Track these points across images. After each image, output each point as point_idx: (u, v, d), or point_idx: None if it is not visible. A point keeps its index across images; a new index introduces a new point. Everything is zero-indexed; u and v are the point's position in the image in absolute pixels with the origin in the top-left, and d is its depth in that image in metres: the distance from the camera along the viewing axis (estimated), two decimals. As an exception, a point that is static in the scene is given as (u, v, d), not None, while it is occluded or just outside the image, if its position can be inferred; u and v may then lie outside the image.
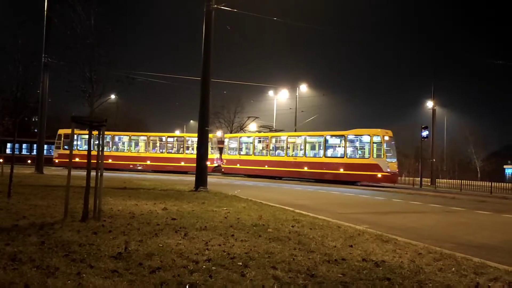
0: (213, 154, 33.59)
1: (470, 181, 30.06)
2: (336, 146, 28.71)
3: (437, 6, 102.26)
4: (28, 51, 9.53)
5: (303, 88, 45.69)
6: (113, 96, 44.11)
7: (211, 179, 16.31)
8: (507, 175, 53.05)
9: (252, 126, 52.72)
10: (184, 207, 8.99)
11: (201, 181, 14.77)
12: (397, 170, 27.68)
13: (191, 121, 65.43)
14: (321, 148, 29.05)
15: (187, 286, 3.47)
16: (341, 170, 27.53)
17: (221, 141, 39.66)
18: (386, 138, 26.50)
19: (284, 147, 31.40)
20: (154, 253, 4.49)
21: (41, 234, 5.20)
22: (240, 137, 34.71)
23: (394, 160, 27.10)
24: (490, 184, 25.98)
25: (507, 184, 28.38)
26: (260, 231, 6.27)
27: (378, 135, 26.23)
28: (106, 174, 6.82)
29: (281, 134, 33.01)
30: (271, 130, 34.54)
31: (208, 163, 34.31)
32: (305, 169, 29.34)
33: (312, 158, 29.44)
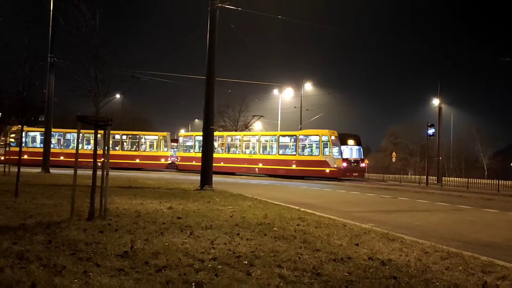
0: (167, 152, 36.15)
1: (477, 179, 29.85)
2: (288, 145, 31.73)
3: (444, 4, 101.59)
4: (34, 51, 9.58)
5: (308, 86, 45.60)
6: (118, 96, 44.36)
7: (215, 178, 16.32)
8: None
9: (257, 124, 52.73)
10: (189, 206, 9.00)
11: (206, 180, 14.78)
12: (342, 166, 30.09)
13: (196, 120, 65.47)
14: (275, 146, 31.97)
15: (193, 285, 3.47)
16: (293, 166, 30.49)
17: (175, 140, 41.70)
18: (333, 137, 29.64)
19: (240, 146, 34.06)
20: (160, 252, 4.50)
21: (48, 233, 5.22)
22: (196, 135, 36.14)
23: (340, 157, 29.93)
24: (497, 182, 25.80)
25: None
26: (266, 230, 6.26)
27: (326, 135, 29.52)
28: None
29: (236, 134, 36.53)
30: (225, 130, 37.98)
31: (163, 160, 34.52)
32: (260, 165, 32.00)
33: (266, 155, 32.17)
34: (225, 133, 36.03)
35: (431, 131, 31.24)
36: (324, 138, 29.54)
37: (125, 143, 36.45)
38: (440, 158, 35.49)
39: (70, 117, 40.50)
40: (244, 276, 3.77)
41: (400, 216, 10.21)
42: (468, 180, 28.66)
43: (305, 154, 30.72)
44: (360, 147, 34.87)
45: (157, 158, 35.99)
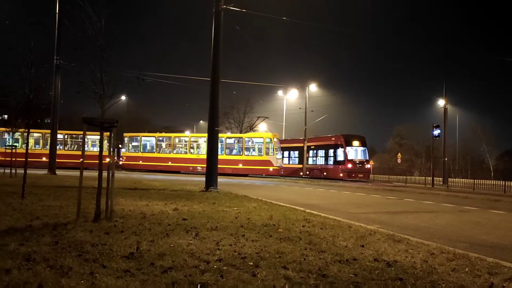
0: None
1: (483, 180, 29.65)
2: (235, 146, 35.08)
3: (449, 4, 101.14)
4: (40, 53, 9.64)
5: (313, 87, 45.52)
6: (123, 97, 44.53)
7: (220, 179, 16.33)
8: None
9: (262, 126, 52.67)
10: (194, 207, 9.02)
11: (211, 181, 14.80)
12: (282, 165, 34.57)
13: (201, 121, 65.61)
14: (222, 147, 34.16)
15: (198, 286, 3.48)
16: (240, 166, 33.76)
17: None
18: (275, 139, 33.71)
19: (187, 146, 36.73)
20: (166, 253, 4.51)
21: (55, 234, 5.25)
22: (142, 136, 38.12)
23: (280, 157, 34.46)
24: (503, 183, 25.62)
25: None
26: (271, 231, 6.26)
27: (269, 137, 33.44)
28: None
29: (185, 135, 38.59)
30: (172, 131, 39.39)
31: (108, 159, 35.57)
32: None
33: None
34: (172, 134, 37.78)
35: (436, 132, 31.10)
36: (268, 140, 33.32)
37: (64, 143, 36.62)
38: (446, 159, 35.32)
39: (76, 119, 40.72)
40: (249, 277, 3.77)
41: (405, 217, 10.17)
42: (474, 181, 28.48)
43: (250, 154, 34.15)
44: (365, 148, 34.94)
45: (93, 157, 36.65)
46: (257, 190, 18.00)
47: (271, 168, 32.99)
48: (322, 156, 36.54)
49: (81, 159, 7.23)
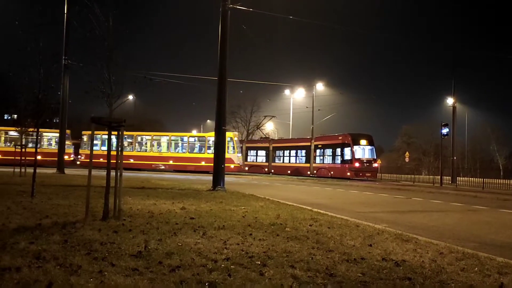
0: (69, 149, 37.03)
1: (493, 179, 29.41)
2: (199, 145, 36.91)
3: (458, 1, 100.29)
4: (49, 53, 9.73)
5: (320, 86, 45.44)
6: (130, 97, 44.78)
7: (228, 178, 16.36)
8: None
9: (269, 125, 52.61)
10: (202, 206, 9.04)
11: (218, 180, 14.84)
12: (241, 162, 36.81)
13: (208, 120, 65.76)
14: (185, 146, 36.69)
15: (206, 285, 3.49)
16: (203, 163, 35.33)
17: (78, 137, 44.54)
18: (236, 138, 36.09)
19: (149, 144, 37.73)
20: (174, 252, 4.53)
21: (64, 233, 5.30)
22: (102, 134, 36.96)
23: (240, 155, 36.67)
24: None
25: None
26: (278, 230, 6.26)
27: (230, 136, 34.66)
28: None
29: (147, 133, 39.68)
30: (135, 130, 40.28)
31: (66, 157, 35.64)
32: (170, 162, 36.07)
33: (177, 153, 36.59)
34: (135, 133, 38.54)
35: (445, 130, 30.88)
36: (229, 139, 34.25)
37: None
38: (455, 157, 35.07)
39: (84, 119, 41.01)
40: (257, 276, 3.77)
41: (414, 216, 10.11)
42: (483, 180, 28.25)
43: (212, 153, 34.76)
44: (372, 147, 34.82)
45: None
46: (264, 189, 18.01)
47: (232, 165, 34.41)
48: (330, 155, 36.45)
49: (90, 159, 7.26)
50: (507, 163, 62.75)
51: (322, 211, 9.19)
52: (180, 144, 37.28)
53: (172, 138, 37.63)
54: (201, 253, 4.57)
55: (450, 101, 35.29)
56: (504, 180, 29.47)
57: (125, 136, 37.82)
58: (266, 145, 43.92)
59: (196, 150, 36.94)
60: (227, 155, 35.17)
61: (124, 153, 37.24)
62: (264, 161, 43.36)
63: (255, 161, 44.39)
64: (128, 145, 37.29)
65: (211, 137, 36.31)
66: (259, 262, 4.26)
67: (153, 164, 36.38)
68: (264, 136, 50.48)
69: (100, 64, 7.55)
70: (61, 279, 3.44)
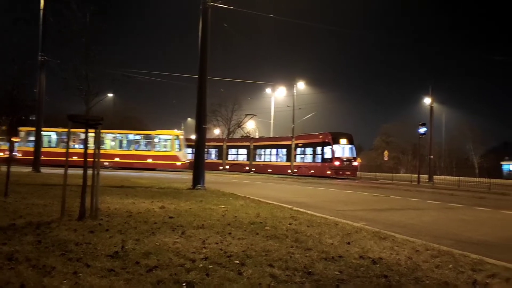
0: (5, 146, 36.98)
1: (468, 178, 30.10)
2: (145, 142, 37.58)
3: (434, 3, 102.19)
4: (25, 50, 9.49)
5: (301, 85, 45.66)
6: (110, 95, 44.11)
7: (207, 177, 16.28)
8: (505, 171, 53.14)
9: (250, 123, 52.59)
10: (181, 205, 8.97)
11: (198, 179, 14.74)
12: (187, 159, 36.59)
13: (189, 119, 65.31)
14: (132, 143, 37.42)
15: (183, 285, 3.46)
16: (149, 160, 36.31)
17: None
18: (181, 137, 36.84)
19: (68, 141, 36.75)
20: (151, 251, 4.47)
21: (38, 233, 5.17)
22: (49, 131, 37.58)
23: (186, 153, 36.91)
24: (488, 180, 26.05)
25: (505, 180, 28.44)
26: (258, 229, 6.25)
27: (176, 135, 36.59)
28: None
29: (93, 131, 38.39)
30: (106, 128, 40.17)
31: (1, 154, 34.98)
32: (116, 159, 36.00)
33: (122, 151, 36.83)
34: (78, 130, 37.20)
35: (422, 129, 31.45)
36: (175, 137, 36.40)
37: None
38: (432, 156, 35.75)
39: (61, 116, 40.18)
40: (235, 276, 3.76)
41: (392, 214, 10.26)
42: (459, 178, 28.89)
43: (159, 150, 36.89)
44: (352, 146, 35.21)
45: None
46: (245, 188, 17.99)
47: (178, 163, 35.88)
48: (310, 154, 36.70)
49: (66, 157, 7.11)
50: (482, 161, 64.29)
51: (301, 210, 9.23)
52: (125, 142, 37.62)
53: (117, 135, 37.74)
54: (179, 252, 4.53)
55: (427, 100, 35.93)
56: (479, 179, 30.17)
57: (50, 133, 37.64)
58: (247, 143, 43.91)
59: (143, 147, 37.40)
60: (173, 153, 36.08)
61: (57, 150, 36.39)
62: (245, 159, 43.36)
63: (236, 159, 44.34)
64: (72, 142, 36.39)
65: (158, 134, 37.33)
66: (237, 261, 4.24)
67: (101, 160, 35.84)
68: (245, 135, 50.47)
69: (78, 61, 7.40)
70: (33, 281, 3.36)
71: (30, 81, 10.18)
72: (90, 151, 6.87)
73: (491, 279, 4.08)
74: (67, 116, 6.81)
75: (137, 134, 38.19)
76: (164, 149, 37.02)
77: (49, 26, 19.92)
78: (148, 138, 37.64)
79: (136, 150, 37.18)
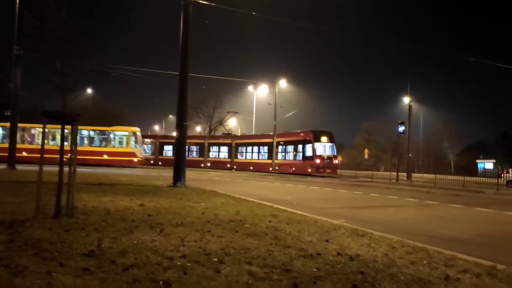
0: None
1: (445, 176, 30.78)
2: (101, 138, 36.83)
3: (414, 4, 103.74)
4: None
5: (283, 83, 45.78)
6: (89, 91, 43.40)
7: (189, 175, 16.18)
8: (480, 169, 54.50)
9: (232, 121, 52.48)
10: (161, 203, 8.89)
11: (179, 176, 14.65)
12: (143, 156, 37.97)
13: (170, 115, 64.80)
14: (87, 139, 36.39)
15: (160, 283, 3.42)
16: (105, 157, 35.60)
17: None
18: (138, 133, 37.01)
19: (47, 137, 35.94)
20: (128, 250, 4.41)
21: (10, 232, 5.04)
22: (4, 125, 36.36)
23: (143, 149, 38.54)
24: (463, 178, 26.67)
25: (480, 178, 29.18)
26: (237, 227, 6.25)
27: (133, 131, 36.57)
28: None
29: (40, 126, 38.03)
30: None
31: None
32: (69, 155, 35.70)
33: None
34: (27, 125, 36.20)
35: (401, 128, 31.99)
36: (132, 133, 36.33)
37: None
38: (410, 155, 36.39)
39: (37, 112, 39.32)
40: (213, 274, 3.74)
41: (370, 212, 10.40)
42: (435, 176, 29.50)
43: (115, 146, 36.51)
44: (333, 144, 35.53)
45: None
46: (226, 185, 17.96)
47: (135, 159, 35.94)
48: (291, 152, 36.88)
49: (41, 154, 6.96)
50: (458, 160, 65.75)
51: (282, 207, 9.27)
52: (79, 137, 35.97)
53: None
54: (157, 251, 4.48)
55: (406, 99, 36.51)
56: (455, 176, 30.88)
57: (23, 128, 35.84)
58: (229, 141, 43.84)
59: (97, 143, 36.72)
60: (129, 149, 35.94)
61: (17, 145, 35.36)
62: (227, 157, 43.29)
63: (217, 157, 44.23)
64: (20, 138, 34.44)
65: (113, 130, 36.85)
66: (216, 259, 4.23)
67: (52, 157, 34.57)
68: (227, 132, 50.36)
69: (53, 56, 7.25)
70: (4, 281, 3.27)
71: (5, 75, 9.90)
72: (54, 147, 6.72)
73: (463, 274, 4.17)
74: (42, 112, 6.67)
75: (92, 130, 37.06)
76: (120, 146, 36.58)
77: (25, 20, 19.40)
78: (103, 134, 36.88)
79: (91, 146, 36.32)
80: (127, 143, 36.39)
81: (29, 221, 5.82)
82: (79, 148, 37.32)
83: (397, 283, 3.76)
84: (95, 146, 36.48)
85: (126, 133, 36.85)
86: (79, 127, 37.32)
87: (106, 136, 36.75)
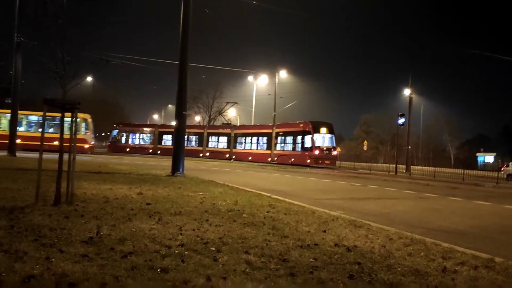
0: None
1: (444, 168, 30.82)
2: (52, 124, 35.15)
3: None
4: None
5: (283, 74, 45.62)
6: (89, 79, 43.24)
7: (187, 165, 16.20)
8: (480, 163, 54.58)
9: (231, 111, 52.39)
10: (159, 191, 8.92)
11: (177, 165, 14.66)
12: (93, 143, 37.78)
13: (169, 105, 64.66)
14: (35, 125, 35.60)
15: (158, 270, 3.45)
16: (55, 143, 33.39)
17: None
18: (89, 120, 36.87)
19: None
20: (127, 238, 4.44)
21: (11, 218, 5.07)
22: None
23: (93, 136, 38.01)
24: (462, 171, 26.71)
25: (479, 171, 29.23)
26: (235, 216, 6.28)
27: (84, 118, 36.10)
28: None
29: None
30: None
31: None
32: (18, 141, 34.35)
33: (26, 132, 34.59)
34: (27, 112, 36.11)
35: (401, 120, 31.95)
36: (83, 120, 35.85)
37: None
38: (410, 147, 36.37)
39: (38, 100, 39.22)
40: (210, 262, 3.77)
41: (368, 203, 10.44)
42: (435, 169, 29.54)
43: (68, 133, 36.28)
44: (332, 135, 35.49)
45: None
46: (224, 175, 18.00)
47: (86, 146, 35.79)
48: (290, 143, 36.88)
49: (41, 141, 6.96)
50: (458, 153, 65.81)
51: (280, 198, 9.30)
52: (26, 123, 35.33)
53: (20, 117, 34.25)
54: (155, 239, 4.51)
55: (407, 92, 36.41)
56: (454, 169, 30.91)
57: None
58: (228, 131, 43.81)
59: (47, 129, 34.78)
60: (80, 136, 35.29)
61: (18, 133, 34.84)
62: (226, 147, 43.29)
63: (216, 147, 44.24)
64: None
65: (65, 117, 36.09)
66: (213, 248, 4.26)
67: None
68: (226, 122, 50.32)
69: (53, 43, 7.22)
70: (4, 266, 3.30)
71: (5, 62, 9.87)
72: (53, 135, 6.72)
73: (460, 266, 4.20)
74: (43, 100, 6.67)
75: (41, 116, 35.94)
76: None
77: (26, 7, 19.25)
78: (53, 120, 35.10)
79: (47, 133, 33.91)
80: (79, 129, 35.28)
81: (29, 208, 5.84)
82: (28, 134, 33.48)
83: (394, 274, 3.79)
84: (49, 133, 34.07)
85: (79, 119, 35.77)
86: (27, 112, 35.21)
87: (56, 122, 34.77)
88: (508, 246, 6.14)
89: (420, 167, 38.75)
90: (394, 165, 32.15)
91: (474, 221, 8.54)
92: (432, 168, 31.71)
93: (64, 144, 6.47)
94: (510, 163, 29.94)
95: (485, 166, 43.48)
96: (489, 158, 55.04)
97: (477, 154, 59.49)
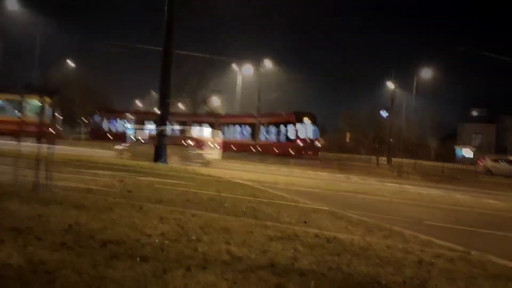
0: None
1: (424, 161, 31.37)
2: (15, 109, 33.49)
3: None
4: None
5: (268, 64, 45.45)
6: (71, 64, 42.38)
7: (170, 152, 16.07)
8: (459, 156, 55.63)
9: (215, 100, 52.15)
10: (141, 179, 8.85)
11: (160, 154, 14.55)
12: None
13: (152, 91, 63.72)
14: None
15: (137, 259, 3.43)
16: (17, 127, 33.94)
17: None
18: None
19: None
20: (107, 226, 4.40)
21: (-14, 205, 4.96)
22: None
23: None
24: (442, 164, 27.25)
25: (458, 164, 29.85)
26: (217, 206, 6.27)
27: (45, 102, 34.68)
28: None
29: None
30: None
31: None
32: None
33: None
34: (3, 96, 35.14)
35: (384, 113, 32.29)
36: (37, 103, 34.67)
37: None
38: (392, 140, 36.85)
39: (17, 84, 38.26)
40: (191, 252, 3.76)
41: (350, 195, 10.53)
42: (415, 161, 30.04)
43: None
44: (316, 126, 35.56)
45: None
46: (208, 166, 17.92)
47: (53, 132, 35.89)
48: (274, 133, 36.92)
49: (19, 127, 6.82)
50: (438, 146, 66.84)
51: (262, 188, 9.32)
52: None
53: None
54: (135, 227, 4.47)
55: (390, 85, 36.74)
56: (434, 162, 31.50)
57: None
58: (212, 120, 43.60)
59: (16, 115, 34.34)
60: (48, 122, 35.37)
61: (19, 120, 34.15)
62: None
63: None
64: None
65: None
66: (194, 238, 4.25)
67: None
68: (210, 111, 50.01)
69: (35, 27, 7.02)
70: (-21, 254, 3.23)
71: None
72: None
73: (437, 259, 4.28)
74: (25, 84, 6.50)
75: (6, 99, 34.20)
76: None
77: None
78: (17, 104, 34.39)
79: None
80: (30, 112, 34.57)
81: (6, 195, 5.72)
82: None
83: (373, 265, 3.84)
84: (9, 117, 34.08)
85: (36, 102, 35.41)
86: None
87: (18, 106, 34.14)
88: (486, 239, 6.30)
89: (401, 159, 39.30)
90: (376, 157, 32.56)
91: (452, 213, 8.72)
92: (413, 160, 32.21)
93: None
94: (487, 157, 29.95)
95: (463, 159, 44.40)
96: (467, 151, 56.17)
97: (455, 146, 60.36)
